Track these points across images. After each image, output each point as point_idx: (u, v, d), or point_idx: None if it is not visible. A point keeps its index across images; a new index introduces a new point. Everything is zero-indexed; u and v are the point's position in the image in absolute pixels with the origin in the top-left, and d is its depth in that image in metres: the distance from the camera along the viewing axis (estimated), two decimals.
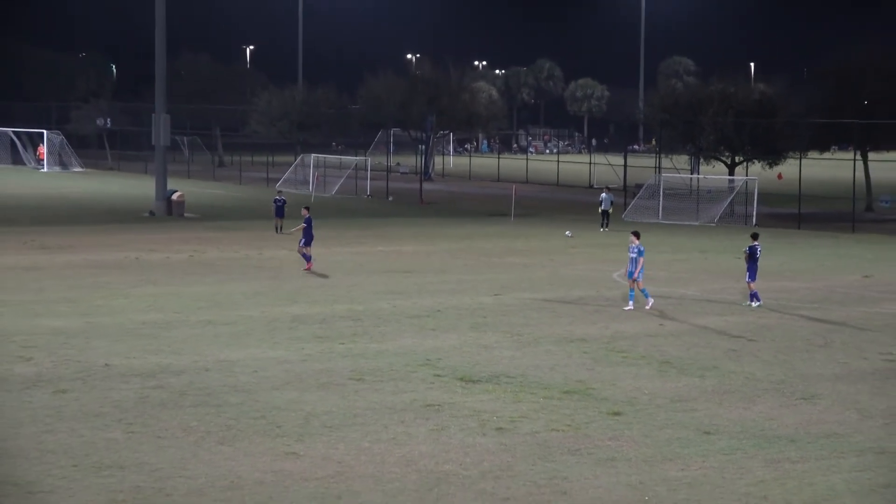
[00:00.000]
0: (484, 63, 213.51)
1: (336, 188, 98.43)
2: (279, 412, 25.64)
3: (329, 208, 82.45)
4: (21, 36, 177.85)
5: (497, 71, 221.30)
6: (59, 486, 20.57)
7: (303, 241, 49.27)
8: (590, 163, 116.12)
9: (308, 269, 48.56)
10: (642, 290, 39.82)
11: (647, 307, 39.49)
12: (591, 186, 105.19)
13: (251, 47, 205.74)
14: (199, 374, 29.21)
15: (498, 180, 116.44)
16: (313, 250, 49.27)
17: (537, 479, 21.29)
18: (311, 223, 49.30)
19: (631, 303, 39.71)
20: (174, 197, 77.18)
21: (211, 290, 43.22)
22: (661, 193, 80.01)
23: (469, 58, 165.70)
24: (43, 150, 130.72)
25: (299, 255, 49.38)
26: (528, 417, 25.44)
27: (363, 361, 30.89)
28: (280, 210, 64.30)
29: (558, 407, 26.39)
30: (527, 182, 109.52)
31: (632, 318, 38.34)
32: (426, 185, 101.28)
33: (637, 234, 40.08)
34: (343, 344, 33.33)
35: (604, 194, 72.49)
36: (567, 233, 65.83)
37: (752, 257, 40.78)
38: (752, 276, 40.89)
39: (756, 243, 41.15)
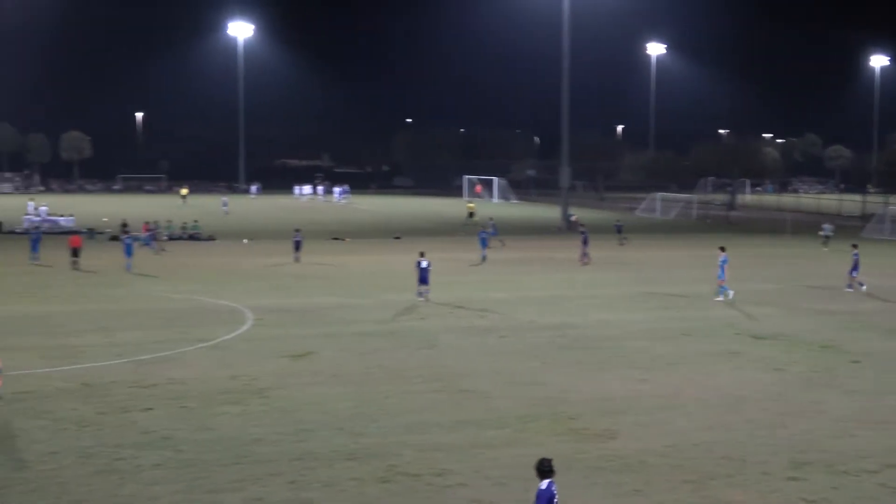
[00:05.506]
0: (770, 135, 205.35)
1: (673, 214, 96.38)
2: (636, 353, 25.52)
3: (666, 227, 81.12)
4: (485, 123, 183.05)
5: (778, 140, 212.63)
6: (498, 395, 21.07)
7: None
8: (839, 199, 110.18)
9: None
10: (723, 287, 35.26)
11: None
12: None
13: (622, 126, 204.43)
14: (586, 329, 29.35)
15: (778, 210, 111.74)
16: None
17: (802, 402, 20.56)
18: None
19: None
20: (572, 218, 77.64)
21: (591, 277, 43.17)
22: None
23: (759, 131, 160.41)
24: (479, 187, 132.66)
25: (639, 256, 48.43)
26: (796, 363, 24.55)
27: (690, 323, 30.41)
28: (619, 228, 63.88)
29: (817, 356, 25.36)
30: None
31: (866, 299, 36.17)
32: (732, 213, 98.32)
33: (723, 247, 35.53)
34: (678, 311, 32.94)
35: (825, 224, 62.24)
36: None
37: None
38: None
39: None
